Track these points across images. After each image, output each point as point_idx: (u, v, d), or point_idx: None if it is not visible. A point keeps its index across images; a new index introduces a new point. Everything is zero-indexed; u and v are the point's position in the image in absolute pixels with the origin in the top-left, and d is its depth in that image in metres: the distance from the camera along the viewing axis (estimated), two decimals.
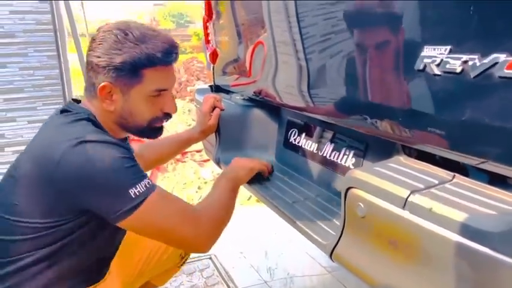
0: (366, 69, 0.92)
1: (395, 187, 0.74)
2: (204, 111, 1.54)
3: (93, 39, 1.01)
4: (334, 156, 1.26)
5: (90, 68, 1.02)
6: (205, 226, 1.02)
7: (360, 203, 0.80)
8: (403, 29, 0.82)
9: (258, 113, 1.62)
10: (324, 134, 1.33)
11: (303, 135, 1.43)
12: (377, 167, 0.85)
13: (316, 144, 1.35)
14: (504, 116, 0.65)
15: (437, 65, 0.73)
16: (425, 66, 0.75)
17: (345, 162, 1.21)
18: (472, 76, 0.68)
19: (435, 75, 0.74)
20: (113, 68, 0.98)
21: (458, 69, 0.70)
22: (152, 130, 1.10)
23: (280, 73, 1.31)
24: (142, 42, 0.99)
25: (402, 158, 0.90)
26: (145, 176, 0.96)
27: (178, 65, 11.40)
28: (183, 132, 1.57)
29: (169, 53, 1.02)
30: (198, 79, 10.74)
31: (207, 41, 1.89)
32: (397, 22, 0.83)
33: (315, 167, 1.35)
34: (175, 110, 1.11)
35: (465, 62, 0.69)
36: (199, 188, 3.11)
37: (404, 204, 0.71)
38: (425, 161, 0.85)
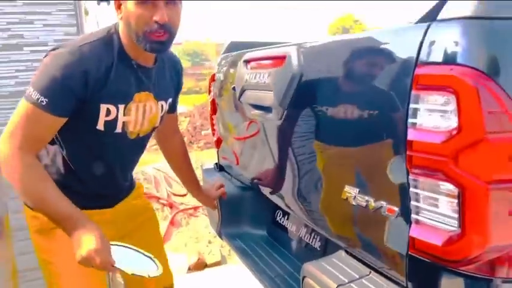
0: (319, 196, 1.31)
1: (329, 281, 1.10)
2: (211, 186, 1.87)
3: None
4: (307, 239, 1.62)
5: None
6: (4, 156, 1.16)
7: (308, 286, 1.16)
8: (338, 173, 1.21)
9: (253, 195, 1.99)
10: (300, 222, 1.70)
11: (286, 217, 1.80)
12: (323, 262, 1.21)
13: (295, 226, 1.72)
14: (384, 238, 1.01)
15: (353, 198, 1.11)
16: (346, 197, 1.13)
17: (314, 244, 1.57)
18: (370, 209, 1.05)
19: (352, 204, 1.12)
20: None
21: (364, 204, 1.07)
22: (151, 42, 1.19)
23: (264, 169, 1.71)
24: None
25: (343, 254, 1.25)
26: (46, 95, 1.13)
27: (193, 110, 11.96)
28: (195, 180, 1.79)
29: None
30: None
31: (213, 131, 2.31)
32: (334, 167, 1.22)
33: (294, 245, 1.71)
34: (163, 18, 1.16)
35: (367, 200, 1.06)
36: (209, 242, 3.46)
37: None
38: (355, 257, 1.21)
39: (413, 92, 0.87)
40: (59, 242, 1.26)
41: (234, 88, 1.80)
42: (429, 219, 0.89)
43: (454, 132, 0.80)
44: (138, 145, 1.43)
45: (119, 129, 1.29)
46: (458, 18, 0.83)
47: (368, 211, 1.06)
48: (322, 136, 1.27)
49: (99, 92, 1.20)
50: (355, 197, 1.10)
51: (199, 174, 4.90)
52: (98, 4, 2.34)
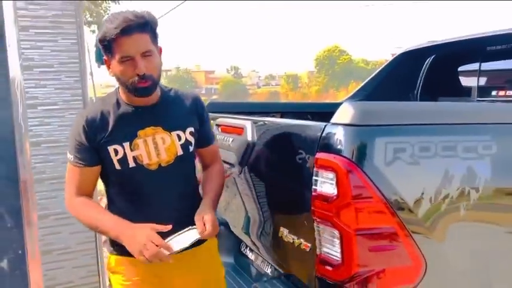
0: (266, 233, 1.76)
1: None
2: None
3: None
4: (261, 265, 2.06)
5: None
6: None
7: None
8: (276, 217, 1.66)
9: (223, 230, 2.42)
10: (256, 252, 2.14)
11: (247, 248, 2.24)
12: (265, 283, 1.65)
13: (254, 256, 2.16)
14: (303, 265, 1.46)
15: (285, 237, 1.56)
16: (281, 236, 1.58)
17: (266, 270, 2.01)
18: (295, 245, 1.50)
19: (284, 241, 1.56)
20: (99, 43, 1.41)
21: (291, 241, 1.52)
22: (137, 89, 1.40)
23: (230, 210, 2.16)
24: (109, 22, 1.35)
25: (282, 277, 1.69)
26: (71, 152, 1.47)
27: None
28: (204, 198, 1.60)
29: (122, 27, 1.32)
30: None
31: None
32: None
33: (253, 270, 2.14)
34: (141, 71, 1.36)
35: (293, 238, 1.51)
36: None
37: None
38: (289, 280, 1.65)
39: (315, 169, 1.34)
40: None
41: None
42: (326, 253, 1.34)
43: (335, 197, 1.27)
44: (171, 175, 1.50)
45: (132, 164, 1.45)
46: (340, 124, 1.31)
47: (294, 246, 1.51)
48: (266, 190, 1.74)
49: (103, 137, 1.44)
50: (286, 235, 1.56)
51: None
52: (99, 67, 2.79)
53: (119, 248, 1.48)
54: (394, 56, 3.05)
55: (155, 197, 1.49)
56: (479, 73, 2.84)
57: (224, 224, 2.39)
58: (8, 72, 1.48)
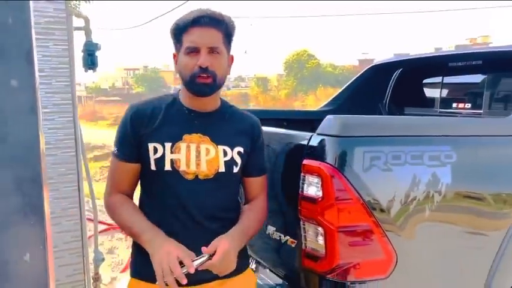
0: None
1: None
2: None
3: None
4: None
5: None
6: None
7: None
8: None
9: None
10: None
11: None
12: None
13: None
14: (290, 259, 1.64)
15: (272, 234, 1.73)
16: (269, 233, 1.75)
17: (251, 266, 2.17)
18: (281, 241, 1.67)
19: (272, 238, 1.74)
20: (171, 35, 1.39)
21: (278, 238, 1.70)
22: (196, 84, 1.34)
23: None
24: (186, 14, 1.35)
25: (267, 271, 1.86)
26: (115, 145, 1.41)
27: None
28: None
29: (195, 16, 1.32)
30: None
31: None
32: None
33: None
34: (203, 63, 1.31)
35: (279, 235, 1.69)
36: None
37: None
38: (274, 273, 1.82)
39: (302, 174, 1.52)
40: None
41: None
42: (311, 247, 1.52)
43: (320, 198, 1.45)
44: (206, 191, 1.37)
45: (168, 167, 1.35)
46: (325, 135, 1.49)
47: (281, 242, 1.69)
48: None
49: (146, 132, 1.36)
50: (273, 233, 1.73)
51: None
52: (86, 71, 2.86)
53: (141, 272, 1.41)
54: (365, 69, 3.28)
55: (184, 210, 1.36)
56: (442, 86, 3.12)
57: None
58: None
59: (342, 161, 1.46)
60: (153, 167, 1.36)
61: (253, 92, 43.51)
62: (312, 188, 1.49)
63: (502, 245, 1.70)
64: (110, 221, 4.62)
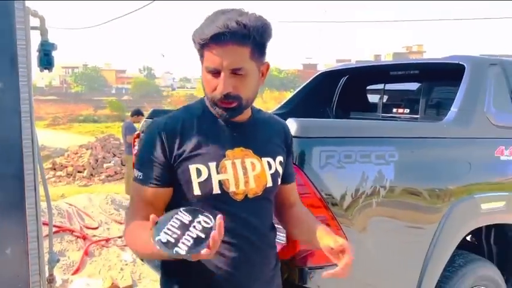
0: None
1: None
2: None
3: None
4: None
5: None
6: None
7: None
8: None
9: None
10: None
11: None
12: None
13: None
14: None
15: None
16: None
17: None
18: None
19: None
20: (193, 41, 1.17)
21: None
22: (220, 108, 1.17)
23: None
24: (209, 21, 1.12)
25: None
26: (139, 169, 1.20)
27: (94, 142, 12.01)
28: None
29: (213, 33, 1.08)
30: (114, 155, 11.39)
31: None
32: None
33: None
34: (221, 90, 1.13)
35: None
36: (121, 269, 3.94)
37: None
38: None
39: None
40: None
41: None
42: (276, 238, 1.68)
43: None
44: (256, 211, 1.24)
45: (217, 190, 1.17)
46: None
47: None
48: None
49: (184, 153, 1.17)
50: None
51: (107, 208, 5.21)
52: (41, 71, 2.84)
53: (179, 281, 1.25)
54: (314, 76, 3.51)
55: (238, 235, 1.20)
56: (383, 93, 3.42)
57: None
58: None
59: (302, 159, 1.64)
60: (196, 192, 1.18)
61: (200, 93, 43.30)
62: None
63: (435, 236, 1.95)
64: (58, 222, 4.53)
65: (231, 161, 1.20)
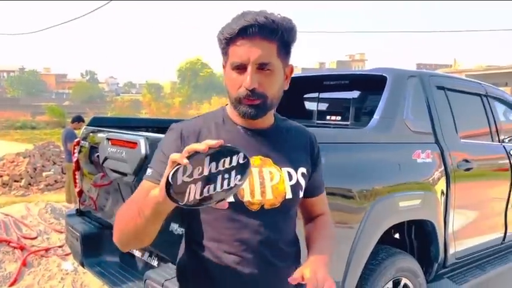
0: None
1: (160, 279, 1.92)
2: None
3: None
4: (149, 260, 2.40)
5: None
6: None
7: (149, 286, 1.96)
8: None
9: (108, 232, 2.69)
10: (144, 249, 2.48)
11: None
12: (157, 269, 2.02)
13: (140, 253, 2.48)
14: None
15: (175, 230, 1.96)
16: (171, 229, 1.98)
17: (153, 263, 2.36)
18: (175, 234, 1.92)
19: (174, 233, 1.97)
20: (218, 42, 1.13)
21: (175, 232, 1.94)
22: (243, 106, 1.12)
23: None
24: (236, 18, 1.11)
25: (170, 264, 2.08)
26: (151, 166, 1.15)
27: (33, 150, 11.48)
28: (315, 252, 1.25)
29: (242, 26, 1.07)
30: (54, 163, 10.96)
31: (75, 183, 2.95)
32: None
33: (140, 265, 2.47)
34: (248, 84, 1.09)
35: (176, 229, 1.93)
36: (62, 278, 3.87)
37: (162, 285, 1.89)
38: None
39: None
40: None
41: (98, 156, 2.53)
42: None
43: None
44: (272, 223, 1.18)
45: (231, 198, 1.09)
46: None
47: (175, 236, 1.93)
48: None
49: None
50: (176, 229, 1.96)
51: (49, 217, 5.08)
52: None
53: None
54: None
55: (252, 248, 1.16)
56: (318, 101, 3.65)
57: (110, 227, 2.66)
58: None
59: None
60: None
61: (146, 98, 42.50)
62: None
63: (358, 232, 2.15)
64: None
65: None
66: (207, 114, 1.28)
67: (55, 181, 10.27)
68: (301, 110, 3.78)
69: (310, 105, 3.81)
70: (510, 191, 3.32)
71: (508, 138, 3.63)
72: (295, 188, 1.21)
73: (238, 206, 1.14)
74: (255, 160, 1.17)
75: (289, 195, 1.19)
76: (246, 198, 1.15)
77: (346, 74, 3.35)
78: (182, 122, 1.23)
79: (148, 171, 1.15)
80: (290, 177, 1.21)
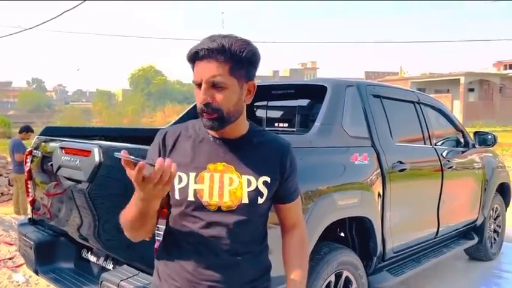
0: (107, 235, 2.22)
1: (115, 279, 2.01)
2: None
3: None
4: (104, 264, 2.48)
5: None
6: None
7: (105, 287, 2.05)
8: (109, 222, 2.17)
9: (62, 240, 2.74)
10: (98, 254, 2.55)
11: (89, 252, 2.62)
12: (113, 271, 2.11)
13: (95, 258, 2.56)
14: (145, 252, 2.01)
15: None
16: None
17: (108, 266, 2.44)
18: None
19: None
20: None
21: None
22: (204, 120, 1.29)
23: (73, 222, 2.52)
24: (199, 43, 1.28)
25: (125, 266, 2.18)
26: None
27: None
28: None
29: (196, 49, 1.25)
30: (1, 175, 10.52)
31: (27, 192, 2.96)
32: None
33: (95, 270, 2.54)
34: (200, 100, 1.26)
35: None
36: None
37: (118, 285, 1.99)
38: (133, 267, 2.15)
39: None
40: None
41: (51, 164, 2.58)
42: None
43: None
44: (228, 225, 1.32)
45: (191, 197, 1.30)
46: None
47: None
48: (110, 201, 2.22)
49: (172, 159, 1.18)
50: None
51: None
52: None
53: None
54: None
55: (207, 244, 1.33)
56: (267, 109, 3.85)
57: (64, 234, 2.71)
58: None
59: None
60: (177, 196, 1.33)
61: (96, 107, 41.36)
62: None
63: None
64: None
65: (211, 173, 1.31)
66: (193, 121, 1.43)
67: (1, 193, 9.85)
68: (252, 118, 3.97)
69: (260, 113, 4.00)
70: (441, 190, 3.65)
71: (440, 142, 4.00)
72: (253, 194, 1.33)
73: (197, 205, 1.31)
74: (218, 166, 1.32)
75: (245, 200, 1.32)
76: (204, 198, 1.31)
77: (292, 84, 3.58)
78: (167, 128, 1.42)
79: None
80: (249, 184, 1.32)
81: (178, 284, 1.34)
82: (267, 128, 3.74)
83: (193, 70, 1.29)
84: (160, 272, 1.41)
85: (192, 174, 1.31)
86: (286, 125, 3.60)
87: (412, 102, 3.68)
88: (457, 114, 28.09)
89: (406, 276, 3.23)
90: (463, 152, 4.16)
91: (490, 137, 4.30)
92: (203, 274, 1.32)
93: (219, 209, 1.31)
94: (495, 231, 4.74)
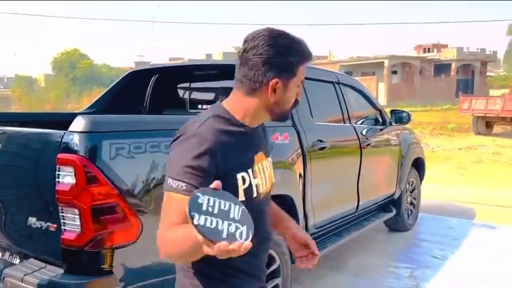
0: (18, 227, 2.06)
1: (19, 274, 1.87)
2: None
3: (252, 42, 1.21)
4: (10, 259, 2.30)
5: (251, 67, 1.21)
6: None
7: (8, 283, 1.90)
8: (24, 211, 2.00)
9: None
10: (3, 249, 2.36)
11: None
12: (18, 266, 1.96)
13: (0, 253, 2.37)
14: (53, 242, 1.88)
15: (33, 224, 1.93)
16: (30, 224, 1.94)
17: (14, 261, 2.26)
18: (43, 228, 1.89)
19: (33, 227, 1.93)
20: (276, 65, 1.21)
21: (40, 226, 1.91)
22: (289, 113, 1.31)
23: None
24: (300, 42, 1.26)
25: (32, 259, 2.03)
26: (182, 180, 1.12)
27: None
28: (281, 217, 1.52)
29: (310, 52, 1.28)
30: None
31: None
32: None
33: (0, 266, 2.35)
34: (301, 98, 1.32)
35: (41, 223, 1.90)
36: None
37: (22, 280, 1.85)
38: (41, 259, 2.01)
39: (57, 165, 1.79)
40: None
41: None
42: (69, 228, 1.81)
43: (74, 185, 1.75)
44: (266, 207, 1.36)
45: (255, 193, 1.26)
46: (76, 132, 1.80)
47: (42, 230, 1.90)
48: (13, 190, 2.05)
49: (229, 163, 1.19)
50: (34, 223, 1.93)
51: None
52: None
53: None
54: (123, 75, 3.65)
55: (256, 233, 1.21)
56: (190, 91, 3.76)
57: None
58: None
59: (92, 152, 1.80)
60: (241, 197, 1.22)
61: (16, 93, 38.34)
62: (67, 177, 1.78)
63: None
64: None
65: (258, 164, 1.29)
66: (215, 115, 1.26)
67: None
68: (175, 100, 3.86)
69: (182, 95, 3.90)
70: (360, 166, 3.81)
71: (359, 121, 4.16)
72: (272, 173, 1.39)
73: (256, 199, 1.27)
74: (260, 156, 1.31)
75: (273, 180, 1.39)
76: (260, 190, 1.28)
77: (213, 65, 3.52)
78: (201, 130, 1.19)
79: (180, 184, 1.13)
80: (271, 164, 1.40)
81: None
82: (190, 111, 3.67)
83: (297, 68, 1.25)
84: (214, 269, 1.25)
85: (250, 171, 1.26)
86: (209, 107, 3.53)
87: (332, 82, 3.77)
88: (382, 95, 29.60)
89: (328, 250, 3.35)
90: (381, 130, 4.35)
91: (404, 114, 4.54)
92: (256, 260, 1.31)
93: (263, 197, 1.32)
94: (411, 203, 5.06)
